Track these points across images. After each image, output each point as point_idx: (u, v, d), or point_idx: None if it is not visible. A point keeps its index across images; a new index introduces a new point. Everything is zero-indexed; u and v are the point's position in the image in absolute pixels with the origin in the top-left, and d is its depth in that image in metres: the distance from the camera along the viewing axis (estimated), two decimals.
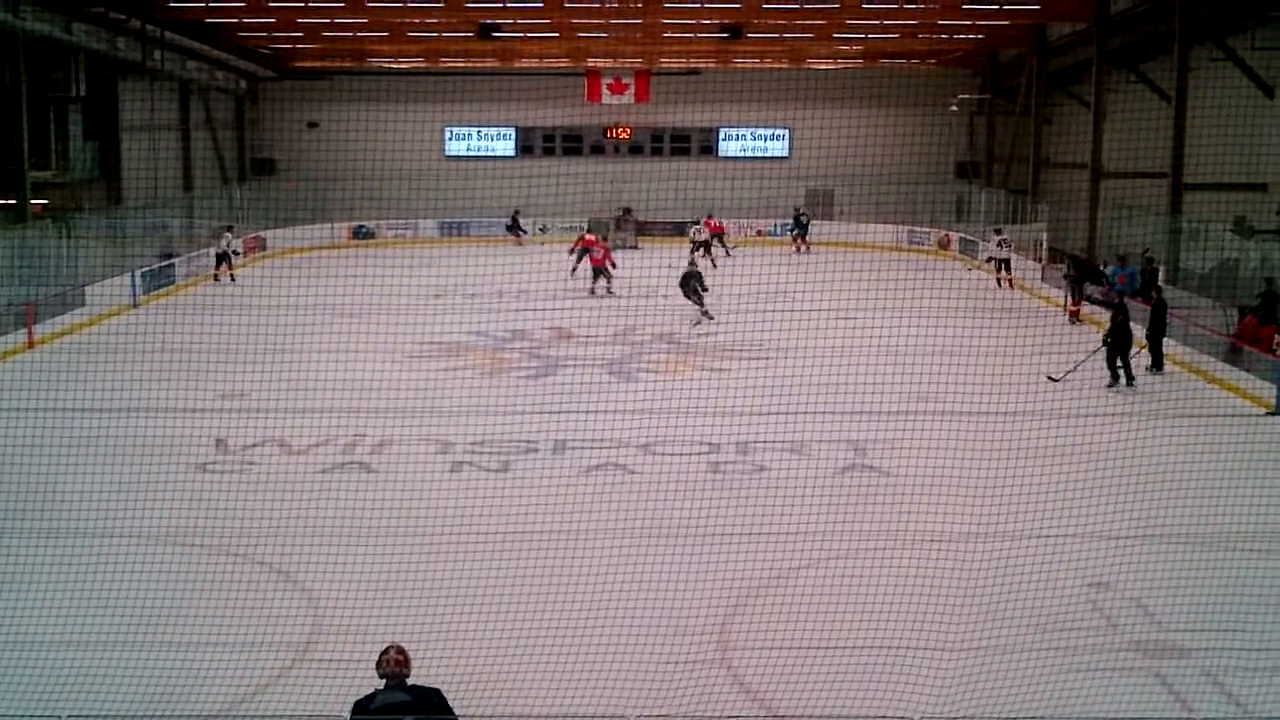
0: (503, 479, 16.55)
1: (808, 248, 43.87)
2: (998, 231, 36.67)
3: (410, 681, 7.58)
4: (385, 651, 7.65)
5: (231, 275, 36.30)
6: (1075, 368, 22.13)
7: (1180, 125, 29.86)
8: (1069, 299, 29.85)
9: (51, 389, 20.07)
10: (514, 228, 45.91)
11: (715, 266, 36.00)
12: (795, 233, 44.71)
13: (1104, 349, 22.27)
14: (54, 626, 11.47)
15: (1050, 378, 21.94)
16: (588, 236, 35.57)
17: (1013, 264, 34.98)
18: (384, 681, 7.56)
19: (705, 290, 29.12)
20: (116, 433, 17.55)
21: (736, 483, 16.38)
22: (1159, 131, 30.37)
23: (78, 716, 7.03)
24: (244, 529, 14.16)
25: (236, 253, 37.45)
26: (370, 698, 7.37)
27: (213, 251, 37.17)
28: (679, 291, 29.24)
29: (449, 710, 7.49)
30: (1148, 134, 30.48)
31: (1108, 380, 22.01)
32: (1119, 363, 22.07)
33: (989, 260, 36.80)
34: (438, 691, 7.47)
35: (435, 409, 20.06)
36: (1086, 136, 35.67)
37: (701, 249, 37.31)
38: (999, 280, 35.00)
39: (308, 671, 10.66)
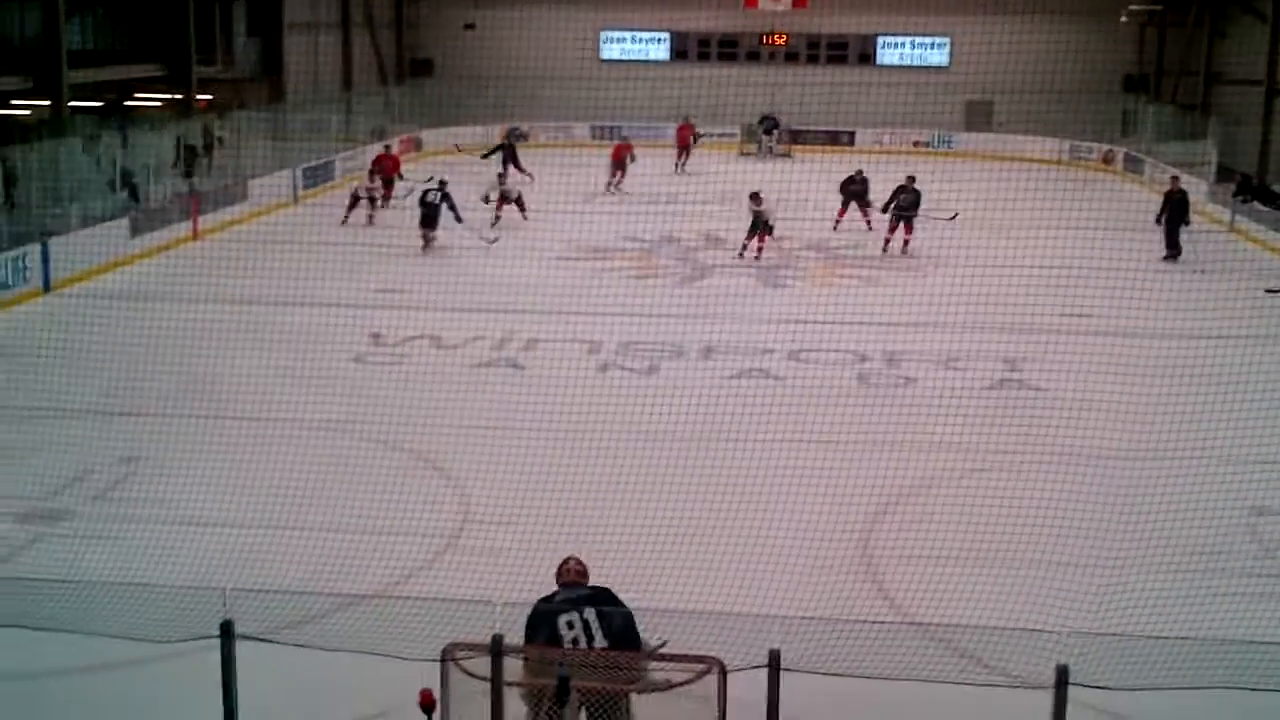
0: (650, 381, 16.67)
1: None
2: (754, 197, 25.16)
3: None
4: (565, 562, 7.77)
5: (371, 216, 28.74)
6: None
7: None
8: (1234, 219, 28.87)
9: (215, 279, 20.68)
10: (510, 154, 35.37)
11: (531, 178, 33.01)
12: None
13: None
14: (217, 506, 11.92)
15: (1269, 290, 22.47)
16: None
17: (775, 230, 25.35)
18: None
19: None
20: (276, 323, 18.03)
21: (884, 394, 16.27)
22: None
23: (238, 590, 7.31)
24: (397, 419, 14.48)
25: (374, 198, 29.06)
26: (552, 595, 7.55)
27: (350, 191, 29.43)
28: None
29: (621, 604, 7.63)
30: None
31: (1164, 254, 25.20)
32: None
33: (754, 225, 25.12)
34: (609, 590, 7.62)
35: (585, 310, 20.19)
36: (1262, 51, 34.23)
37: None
38: (744, 249, 24.99)
39: (457, 558, 10.93)
